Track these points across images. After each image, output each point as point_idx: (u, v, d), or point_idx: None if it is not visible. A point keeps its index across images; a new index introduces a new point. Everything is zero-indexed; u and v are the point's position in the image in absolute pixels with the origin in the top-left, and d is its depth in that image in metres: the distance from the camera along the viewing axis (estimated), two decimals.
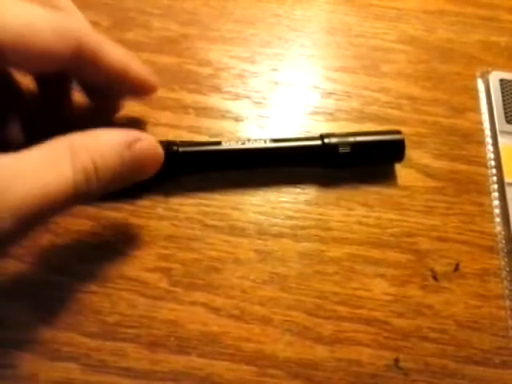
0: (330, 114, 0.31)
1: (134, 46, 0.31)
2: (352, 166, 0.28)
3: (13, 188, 0.17)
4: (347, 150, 0.27)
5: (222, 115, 0.30)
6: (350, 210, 0.28)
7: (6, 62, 0.19)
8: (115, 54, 0.22)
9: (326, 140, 0.27)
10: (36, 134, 0.23)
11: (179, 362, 0.24)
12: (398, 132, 0.28)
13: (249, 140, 0.27)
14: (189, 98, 0.30)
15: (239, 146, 0.26)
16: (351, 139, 0.27)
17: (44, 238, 0.25)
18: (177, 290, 0.25)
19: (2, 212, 0.17)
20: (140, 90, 0.25)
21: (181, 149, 0.26)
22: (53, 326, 0.24)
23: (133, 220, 0.26)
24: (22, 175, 0.17)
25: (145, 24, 0.33)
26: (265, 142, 0.26)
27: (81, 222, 0.26)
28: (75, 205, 0.20)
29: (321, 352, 0.24)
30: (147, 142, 0.21)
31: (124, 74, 0.23)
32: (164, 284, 0.25)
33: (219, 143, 0.26)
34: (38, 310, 0.24)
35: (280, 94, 0.31)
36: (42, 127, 0.23)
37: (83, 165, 0.19)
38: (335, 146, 0.27)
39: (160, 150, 0.22)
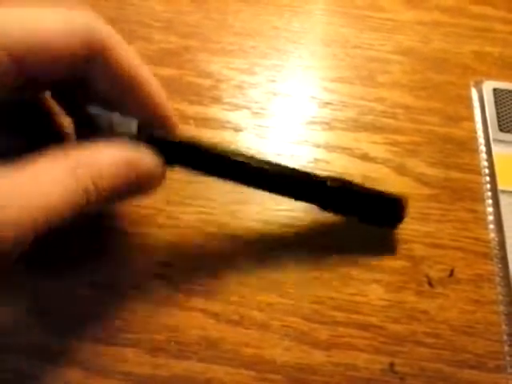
0: (327, 123, 0.31)
1: None
2: (345, 211, 0.27)
3: (13, 203, 0.17)
4: (338, 183, 0.26)
5: (222, 126, 0.31)
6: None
7: (24, 73, 0.18)
8: (129, 55, 0.21)
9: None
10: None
11: (179, 366, 0.24)
12: (401, 198, 0.27)
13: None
14: (190, 109, 0.31)
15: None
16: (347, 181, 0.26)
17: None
18: (177, 295, 0.26)
19: (4, 228, 0.16)
20: (151, 110, 0.22)
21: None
22: (55, 332, 0.24)
23: (135, 228, 0.27)
24: (23, 190, 0.17)
25: (146, 36, 0.34)
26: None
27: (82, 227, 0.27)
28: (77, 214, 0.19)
29: (318, 357, 0.25)
30: (147, 162, 0.21)
31: (136, 83, 0.21)
32: (164, 290, 0.26)
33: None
34: (39, 316, 0.25)
35: (278, 105, 0.32)
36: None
37: (84, 186, 0.19)
38: (324, 180, 0.26)
39: (160, 169, 0.21)
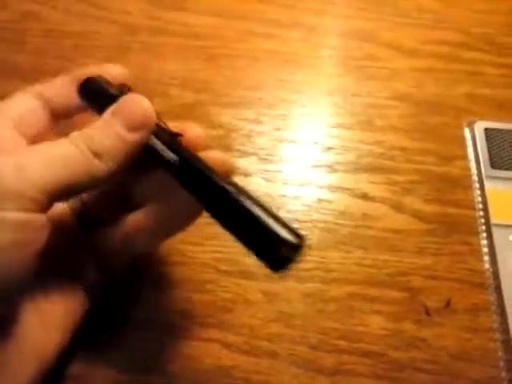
0: (329, 166, 0.34)
1: None
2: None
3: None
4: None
5: None
6: (349, 252, 0.31)
7: None
8: None
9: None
10: None
11: None
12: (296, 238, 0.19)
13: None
14: None
15: None
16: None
17: None
18: (193, 327, 0.28)
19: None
20: None
21: None
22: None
23: (154, 266, 0.30)
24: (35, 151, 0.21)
25: (164, 93, 0.38)
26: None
27: None
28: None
29: (323, 383, 0.27)
30: (128, 97, 0.22)
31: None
32: (182, 323, 0.28)
33: None
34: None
35: (284, 151, 0.35)
36: None
37: (81, 149, 0.21)
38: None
39: (149, 108, 0.22)
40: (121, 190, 0.27)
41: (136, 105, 0.22)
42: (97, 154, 0.21)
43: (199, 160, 0.22)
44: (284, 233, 0.19)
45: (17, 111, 0.24)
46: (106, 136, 0.21)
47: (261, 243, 0.19)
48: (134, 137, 0.21)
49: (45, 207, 0.20)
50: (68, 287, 0.24)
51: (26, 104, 0.24)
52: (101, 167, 0.21)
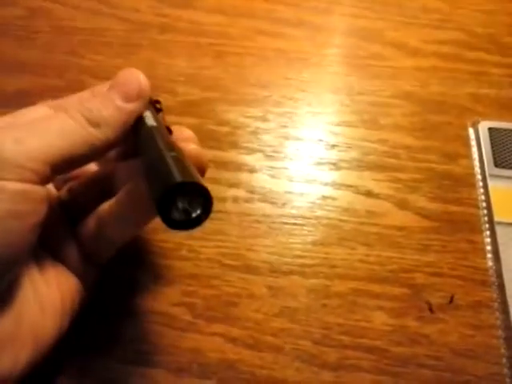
0: (334, 163, 0.35)
1: None
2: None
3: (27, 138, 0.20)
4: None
5: (239, 168, 0.34)
6: (353, 249, 0.31)
7: None
8: None
9: None
10: None
11: None
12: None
13: None
14: (209, 153, 0.35)
15: None
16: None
17: None
18: (199, 322, 0.29)
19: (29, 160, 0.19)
20: None
21: None
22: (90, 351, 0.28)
23: (160, 260, 0.30)
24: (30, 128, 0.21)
25: (171, 90, 0.38)
26: None
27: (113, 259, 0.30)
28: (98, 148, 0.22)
29: (327, 377, 0.27)
30: (123, 71, 0.24)
31: None
32: (188, 317, 0.29)
33: None
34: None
35: (289, 148, 0.35)
36: None
37: (78, 120, 0.22)
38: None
39: (139, 74, 0.24)
40: (105, 182, 0.27)
41: (132, 78, 0.23)
42: (95, 124, 0.22)
43: (165, 132, 0.23)
44: (176, 174, 0.18)
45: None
46: (103, 107, 0.22)
47: (155, 184, 0.19)
48: (130, 107, 0.23)
49: (45, 179, 0.20)
50: (62, 273, 0.24)
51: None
52: (99, 136, 0.22)
